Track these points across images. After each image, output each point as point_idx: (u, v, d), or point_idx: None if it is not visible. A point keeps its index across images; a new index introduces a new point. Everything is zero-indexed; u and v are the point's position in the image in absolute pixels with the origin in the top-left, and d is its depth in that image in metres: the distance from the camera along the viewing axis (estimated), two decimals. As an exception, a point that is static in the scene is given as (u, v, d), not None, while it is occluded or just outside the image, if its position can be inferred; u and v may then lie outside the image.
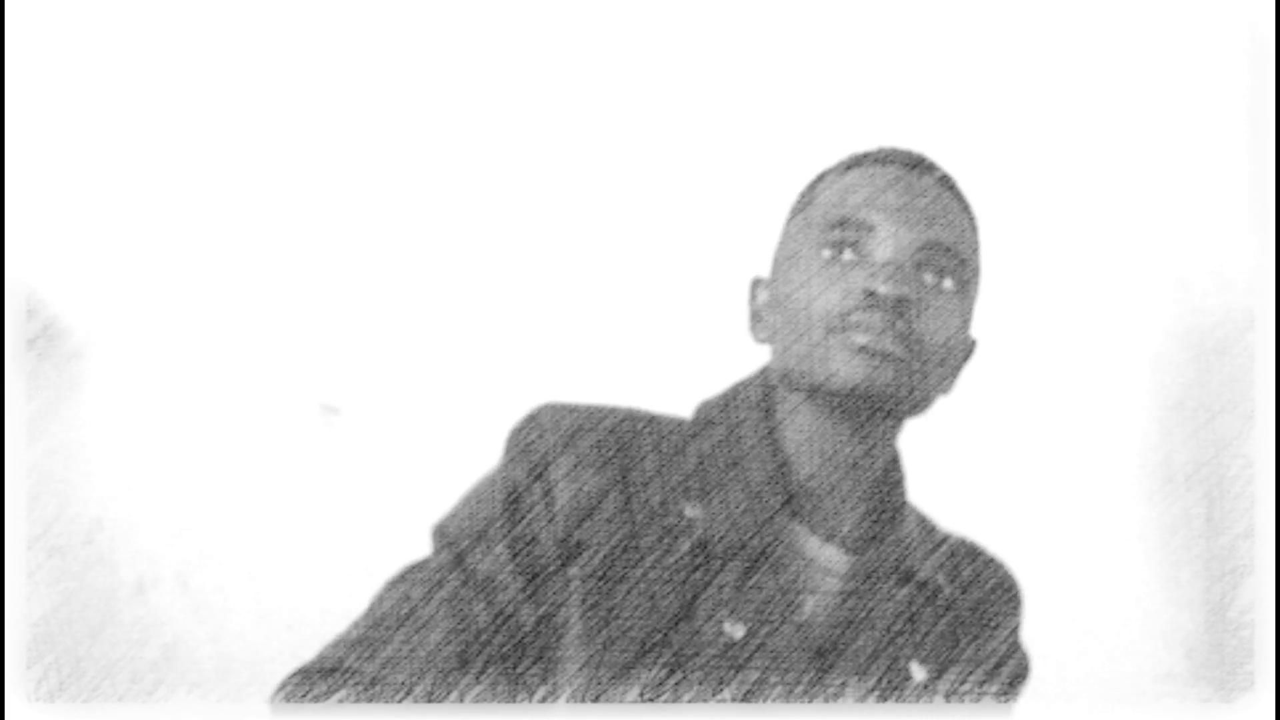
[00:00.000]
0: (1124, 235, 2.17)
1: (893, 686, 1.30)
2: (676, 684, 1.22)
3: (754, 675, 1.25)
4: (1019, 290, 2.12)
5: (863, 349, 1.29)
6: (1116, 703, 2.08)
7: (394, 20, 2.09)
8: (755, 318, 1.43)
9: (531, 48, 2.11)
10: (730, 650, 1.25)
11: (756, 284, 1.44)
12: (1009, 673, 1.43)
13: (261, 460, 2.01)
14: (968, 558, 1.45)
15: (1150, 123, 2.18)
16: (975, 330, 1.46)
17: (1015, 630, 1.46)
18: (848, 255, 1.33)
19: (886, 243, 1.33)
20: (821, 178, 1.43)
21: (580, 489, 1.29)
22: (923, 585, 1.37)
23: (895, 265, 1.32)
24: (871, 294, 1.30)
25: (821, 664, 1.28)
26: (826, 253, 1.34)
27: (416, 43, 2.10)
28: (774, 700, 1.24)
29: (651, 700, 1.21)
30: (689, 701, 1.21)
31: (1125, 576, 2.13)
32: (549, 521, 1.28)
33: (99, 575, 1.95)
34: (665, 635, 1.24)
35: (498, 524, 1.29)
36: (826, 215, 1.36)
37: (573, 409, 1.35)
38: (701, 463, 1.34)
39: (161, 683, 1.94)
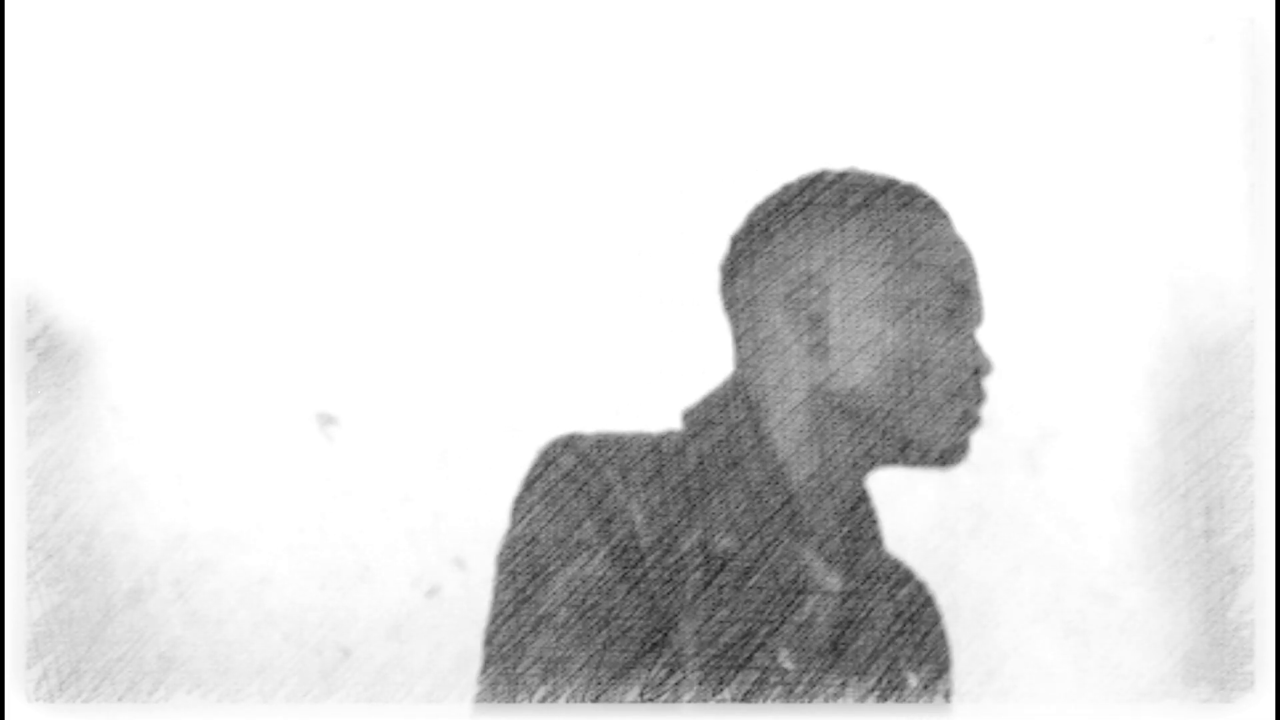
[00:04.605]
0: (1121, 240, 2.18)
1: (891, 688, 1.30)
2: (676, 684, 1.22)
3: (754, 675, 1.25)
4: (1017, 292, 2.12)
5: (970, 420, 1.33)
6: (1118, 703, 2.08)
7: (385, 40, 2.10)
8: (810, 320, 1.31)
9: (523, 69, 2.12)
10: (785, 679, 1.25)
11: (809, 279, 1.31)
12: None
13: (258, 469, 2.01)
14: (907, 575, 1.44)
15: (1147, 125, 2.18)
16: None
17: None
18: (955, 320, 1.34)
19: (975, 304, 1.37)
20: (880, 191, 1.34)
21: (647, 499, 1.24)
22: (917, 591, 1.38)
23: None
24: (979, 367, 1.33)
25: (820, 665, 1.28)
26: (943, 310, 1.33)
27: (412, 62, 2.10)
28: (773, 700, 1.24)
29: (651, 700, 1.21)
30: (689, 701, 1.21)
31: (1125, 578, 2.13)
32: (640, 522, 1.23)
33: (96, 583, 1.95)
34: (665, 635, 1.24)
35: (584, 533, 1.23)
36: (944, 269, 1.33)
37: (593, 437, 1.27)
38: (704, 482, 1.30)
39: (160, 684, 1.94)
